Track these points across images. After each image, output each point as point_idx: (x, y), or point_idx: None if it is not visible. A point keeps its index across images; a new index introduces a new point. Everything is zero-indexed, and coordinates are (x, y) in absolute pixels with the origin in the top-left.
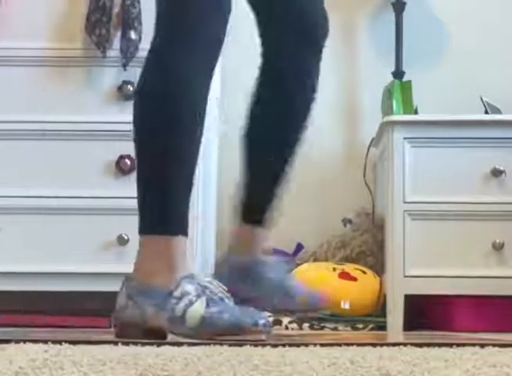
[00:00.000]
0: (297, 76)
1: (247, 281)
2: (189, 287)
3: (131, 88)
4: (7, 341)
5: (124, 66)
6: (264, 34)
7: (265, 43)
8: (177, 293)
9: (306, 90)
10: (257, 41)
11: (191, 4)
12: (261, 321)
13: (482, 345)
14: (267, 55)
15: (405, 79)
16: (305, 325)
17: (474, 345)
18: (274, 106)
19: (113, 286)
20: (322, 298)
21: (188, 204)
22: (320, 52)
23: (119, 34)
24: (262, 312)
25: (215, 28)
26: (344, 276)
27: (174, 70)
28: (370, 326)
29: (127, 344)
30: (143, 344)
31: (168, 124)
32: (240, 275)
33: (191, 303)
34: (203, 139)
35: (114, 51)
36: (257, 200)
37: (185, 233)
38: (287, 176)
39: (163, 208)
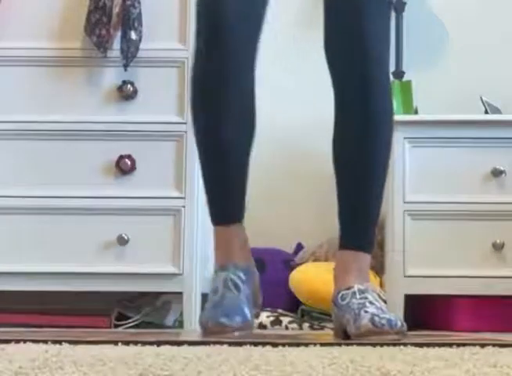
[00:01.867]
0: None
1: None
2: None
3: (131, 88)
4: (7, 341)
5: (125, 66)
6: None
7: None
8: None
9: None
10: None
11: None
12: (222, 320)
13: (482, 345)
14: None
15: (405, 79)
16: (305, 325)
17: (474, 345)
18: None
19: (113, 286)
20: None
21: (234, 194)
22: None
23: (119, 34)
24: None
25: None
26: None
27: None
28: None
29: (127, 344)
30: (143, 344)
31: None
32: None
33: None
34: None
35: (114, 51)
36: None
37: (227, 221)
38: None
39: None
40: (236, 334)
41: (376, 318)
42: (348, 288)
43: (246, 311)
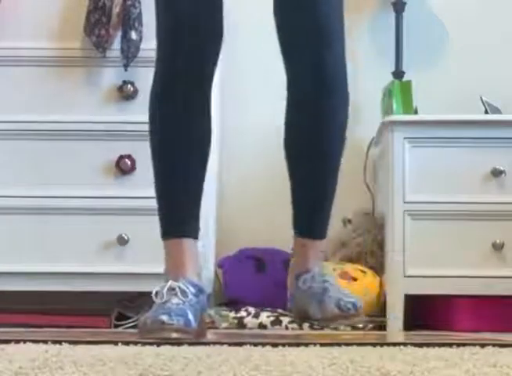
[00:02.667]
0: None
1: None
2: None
3: (131, 88)
4: (7, 341)
5: (125, 66)
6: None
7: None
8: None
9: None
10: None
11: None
12: (162, 317)
13: (482, 345)
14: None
15: (405, 79)
16: (305, 325)
17: (474, 345)
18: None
19: (113, 286)
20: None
21: (187, 206)
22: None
23: (119, 34)
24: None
25: None
26: (344, 276)
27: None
28: (370, 326)
29: (127, 344)
30: (143, 344)
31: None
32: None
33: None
34: None
35: (114, 51)
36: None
37: (179, 235)
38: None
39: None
40: (175, 335)
41: (342, 302)
42: (307, 271)
43: (191, 316)
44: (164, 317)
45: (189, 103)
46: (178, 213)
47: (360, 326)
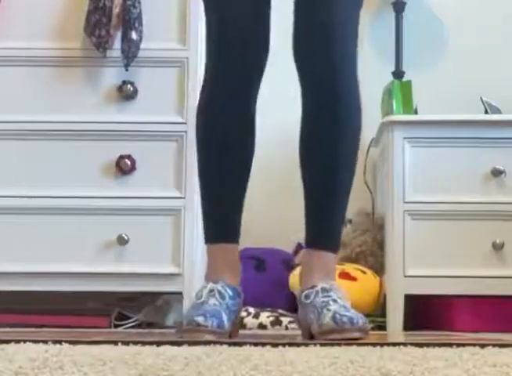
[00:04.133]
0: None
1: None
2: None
3: (131, 88)
4: (7, 341)
5: (126, 66)
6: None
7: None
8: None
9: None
10: None
11: None
12: (198, 319)
13: (482, 345)
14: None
15: (405, 79)
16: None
17: (474, 345)
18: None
19: (113, 286)
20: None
21: (229, 212)
22: None
23: (120, 34)
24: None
25: None
26: (344, 276)
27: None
28: (370, 326)
29: (127, 344)
30: (143, 344)
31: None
32: None
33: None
34: None
35: (114, 51)
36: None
37: (220, 240)
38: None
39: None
40: (208, 336)
41: (338, 315)
42: (312, 287)
43: (225, 318)
44: (200, 319)
45: (233, 116)
46: (219, 219)
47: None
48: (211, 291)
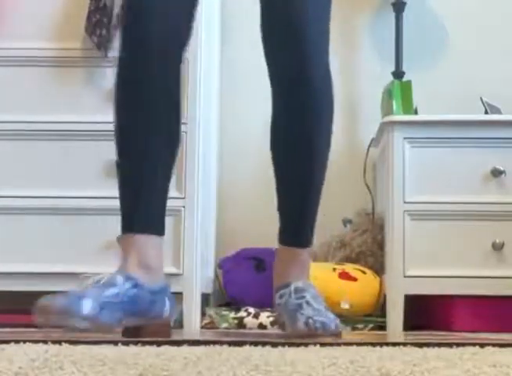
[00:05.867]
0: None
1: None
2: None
3: None
4: (7, 342)
5: None
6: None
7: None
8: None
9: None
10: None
11: None
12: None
13: (482, 345)
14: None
15: (405, 79)
16: None
17: (474, 345)
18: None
19: None
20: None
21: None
22: None
23: (119, 34)
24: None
25: None
26: (344, 276)
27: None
28: (370, 326)
29: (127, 344)
30: (143, 344)
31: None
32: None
33: None
34: (203, 136)
35: (114, 51)
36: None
37: (126, 230)
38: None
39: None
40: (54, 317)
41: (311, 320)
42: (286, 286)
43: (89, 304)
44: (45, 301)
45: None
46: (126, 206)
47: (360, 326)
48: (100, 278)
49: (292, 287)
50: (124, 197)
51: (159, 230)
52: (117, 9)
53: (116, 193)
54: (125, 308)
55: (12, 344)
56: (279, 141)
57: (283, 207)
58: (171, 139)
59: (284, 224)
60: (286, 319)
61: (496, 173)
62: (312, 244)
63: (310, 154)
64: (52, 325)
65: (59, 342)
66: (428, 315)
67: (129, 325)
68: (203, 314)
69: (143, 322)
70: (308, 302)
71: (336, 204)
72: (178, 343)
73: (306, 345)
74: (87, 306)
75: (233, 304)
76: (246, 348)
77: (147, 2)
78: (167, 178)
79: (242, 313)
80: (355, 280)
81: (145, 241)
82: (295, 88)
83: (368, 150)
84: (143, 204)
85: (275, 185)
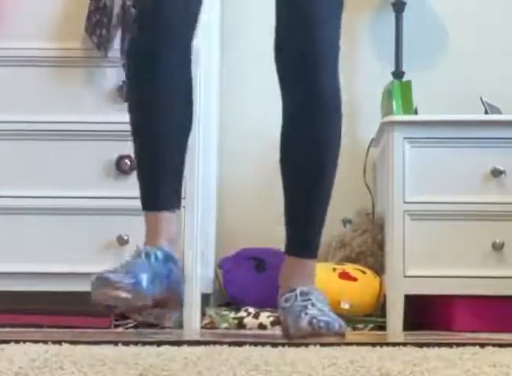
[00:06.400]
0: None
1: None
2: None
3: None
4: (7, 341)
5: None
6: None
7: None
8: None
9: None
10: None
11: None
12: (107, 275)
13: (482, 345)
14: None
15: (405, 79)
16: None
17: (474, 345)
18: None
19: None
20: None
21: (161, 179)
22: None
23: (119, 34)
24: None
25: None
26: (344, 276)
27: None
28: (370, 326)
29: (127, 344)
30: (143, 344)
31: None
32: None
33: None
34: (202, 135)
35: (114, 51)
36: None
37: (152, 208)
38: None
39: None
40: (118, 293)
41: (315, 320)
42: (292, 291)
43: (145, 278)
44: (110, 275)
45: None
46: (150, 186)
47: (360, 326)
48: (137, 252)
49: (298, 291)
50: (145, 179)
51: (179, 205)
52: (117, 9)
53: (116, 193)
54: (164, 281)
55: (12, 344)
56: (286, 148)
57: (291, 219)
58: (186, 116)
59: (292, 235)
60: (290, 322)
61: (496, 173)
62: (314, 256)
63: (319, 164)
64: (109, 302)
65: (59, 342)
66: (428, 315)
67: (161, 299)
68: (203, 314)
69: (174, 296)
70: (313, 304)
71: (336, 204)
72: (179, 343)
73: (306, 345)
74: (145, 281)
75: (233, 304)
76: (246, 348)
77: None
78: (183, 156)
79: (242, 313)
80: (355, 280)
81: (169, 216)
82: (308, 101)
83: (368, 150)
84: (165, 182)
85: (284, 197)
